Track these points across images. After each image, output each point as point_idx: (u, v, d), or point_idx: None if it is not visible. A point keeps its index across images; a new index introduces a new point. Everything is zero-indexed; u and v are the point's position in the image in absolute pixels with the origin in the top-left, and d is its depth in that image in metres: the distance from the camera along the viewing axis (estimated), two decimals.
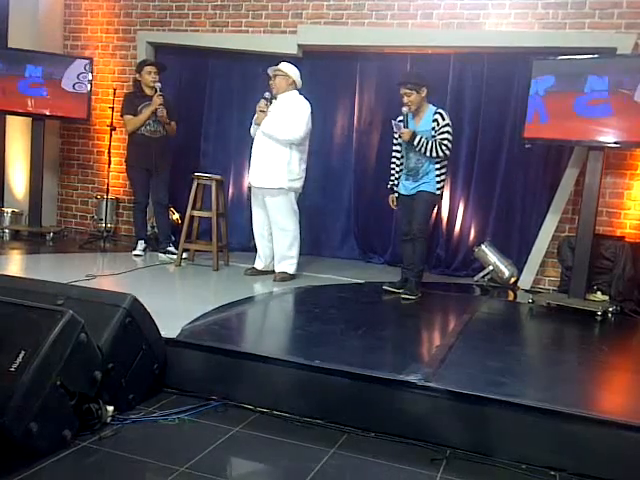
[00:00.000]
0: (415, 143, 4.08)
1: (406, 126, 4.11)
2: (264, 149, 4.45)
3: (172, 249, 5.05)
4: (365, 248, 5.63)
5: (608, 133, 4.09)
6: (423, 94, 4.10)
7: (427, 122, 4.11)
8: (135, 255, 5.11)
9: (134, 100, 5.03)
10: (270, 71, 4.47)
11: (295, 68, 4.50)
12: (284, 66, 4.47)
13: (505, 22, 4.90)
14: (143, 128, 4.98)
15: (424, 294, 4.25)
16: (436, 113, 4.10)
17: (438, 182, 4.16)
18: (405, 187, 4.28)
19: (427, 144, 4.06)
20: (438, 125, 4.07)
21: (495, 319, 4.04)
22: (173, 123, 5.13)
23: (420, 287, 4.26)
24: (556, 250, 4.75)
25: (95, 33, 6.23)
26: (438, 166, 4.14)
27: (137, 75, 5.04)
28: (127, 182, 6.17)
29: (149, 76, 4.94)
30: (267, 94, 4.46)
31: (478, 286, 4.94)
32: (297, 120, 4.34)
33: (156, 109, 4.91)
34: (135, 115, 4.97)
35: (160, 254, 5.08)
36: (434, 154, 4.07)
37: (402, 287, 4.30)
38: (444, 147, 4.05)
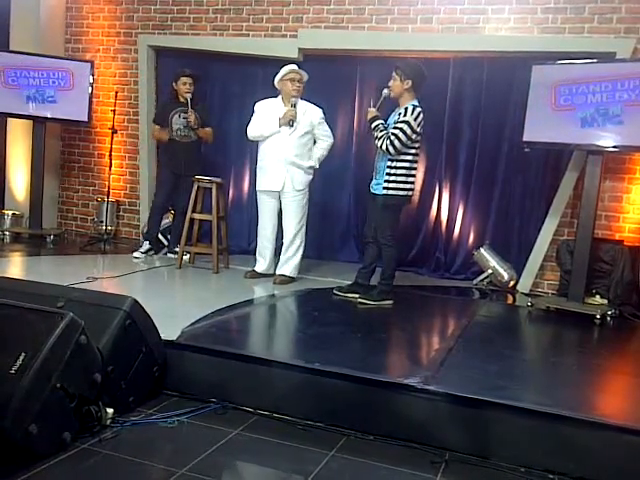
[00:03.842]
0: (372, 126, 3.97)
1: (378, 108, 4.00)
2: (296, 151, 4.43)
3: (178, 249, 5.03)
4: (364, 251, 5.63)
5: (607, 137, 4.11)
6: (406, 86, 3.90)
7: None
8: (135, 258, 5.06)
9: (166, 107, 5.24)
10: (303, 75, 4.45)
11: None
12: (302, 71, 4.50)
13: (505, 27, 4.91)
14: (174, 133, 5.15)
15: (423, 297, 4.25)
16: (407, 107, 3.87)
17: (387, 182, 3.91)
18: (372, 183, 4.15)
19: (379, 132, 3.89)
20: (399, 117, 3.86)
21: (494, 322, 4.04)
22: (209, 129, 5.28)
23: (390, 295, 4.07)
24: (555, 254, 4.76)
25: (96, 36, 6.24)
26: (390, 164, 3.89)
27: (174, 84, 5.18)
28: (128, 185, 6.21)
29: (184, 87, 5.11)
30: (293, 100, 4.40)
31: (477, 289, 4.94)
32: (325, 130, 4.55)
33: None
34: (162, 125, 5.21)
35: (170, 254, 5.22)
36: (379, 143, 3.88)
37: (352, 291, 4.16)
38: (389, 141, 3.81)
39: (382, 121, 3.97)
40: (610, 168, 4.66)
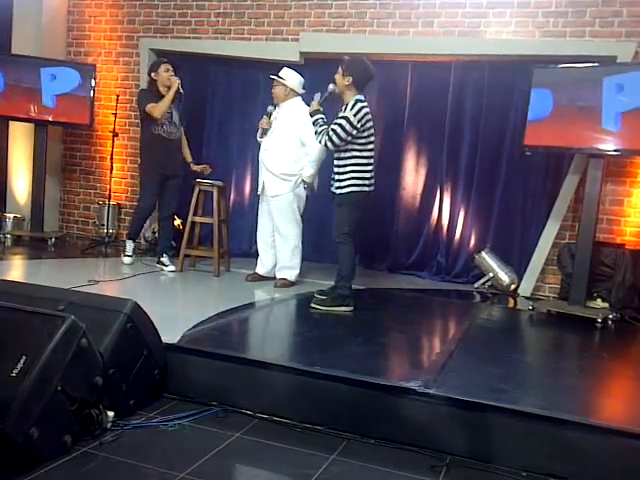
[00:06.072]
0: (312, 120, 3.88)
1: (322, 103, 3.90)
2: (270, 157, 4.49)
3: (164, 260, 4.87)
4: (365, 254, 5.63)
5: (608, 141, 4.12)
6: (346, 82, 3.77)
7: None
8: (126, 255, 4.86)
9: (150, 95, 4.79)
10: (284, 79, 4.47)
11: (295, 74, 4.51)
12: (283, 73, 4.49)
13: (506, 30, 4.92)
14: (160, 128, 4.77)
15: (424, 301, 4.24)
16: (348, 102, 3.77)
17: (339, 180, 3.82)
18: None
19: (319, 127, 3.82)
20: (341, 112, 3.78)
21: (495, 326, 4.04)
22: None
23: (348, 300, 3.88)
24: (556, 257, 4.75)
25: (98, 40, 6.26)
26: (337, 162, 3.85)
27: (153, 74, 4.80)
28: (129, 188, 6.21)
29: (167, 73, 4.74)
30: (270, 108, 4.50)
31: (478, 293, 4.94)
32: (310, 132, 4.23)
33: (178, 90, 4.73)
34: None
35: (157, 265, 4.90)
36: (318, 138, 3.83)
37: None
38: (327, 136, 3.73)
39: (322, 116, 3.89)
40: (611, 171, 4.66)
